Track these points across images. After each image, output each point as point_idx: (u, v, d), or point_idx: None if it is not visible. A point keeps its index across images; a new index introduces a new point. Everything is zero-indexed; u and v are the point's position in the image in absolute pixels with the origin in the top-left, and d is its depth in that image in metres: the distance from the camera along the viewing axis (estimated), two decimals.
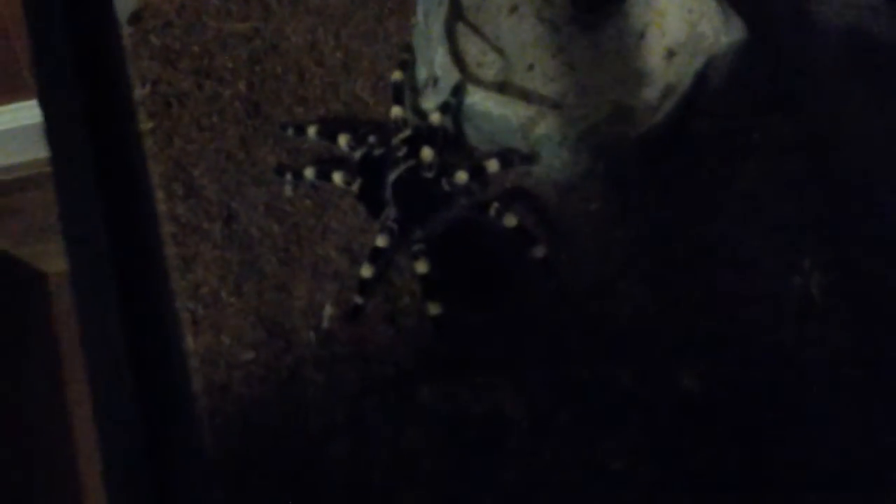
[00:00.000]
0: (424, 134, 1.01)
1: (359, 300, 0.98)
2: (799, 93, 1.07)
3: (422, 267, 0.95)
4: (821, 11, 1.10)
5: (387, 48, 1.11)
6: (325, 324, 0.99)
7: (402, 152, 1.00)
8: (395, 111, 1.02)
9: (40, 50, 0.54)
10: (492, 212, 0.97)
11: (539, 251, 0.97)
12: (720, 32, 0.99)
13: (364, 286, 0.97)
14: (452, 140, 1.04)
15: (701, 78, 1.01)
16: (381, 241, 0.96)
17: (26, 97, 1.43)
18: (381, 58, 1.11)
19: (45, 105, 0.53)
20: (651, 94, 1.01)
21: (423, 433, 0.91)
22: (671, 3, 1.03)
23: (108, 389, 0.48)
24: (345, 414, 0.94)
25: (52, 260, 1.70)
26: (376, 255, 0.97)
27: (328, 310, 1.00)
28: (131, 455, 0.47)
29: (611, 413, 0.92)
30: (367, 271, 0.97)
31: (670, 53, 1.02)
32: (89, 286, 0.49)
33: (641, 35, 1.04)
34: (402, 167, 0.99)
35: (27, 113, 1.45)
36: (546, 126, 0.98)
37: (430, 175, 0.98)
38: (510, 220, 0.97)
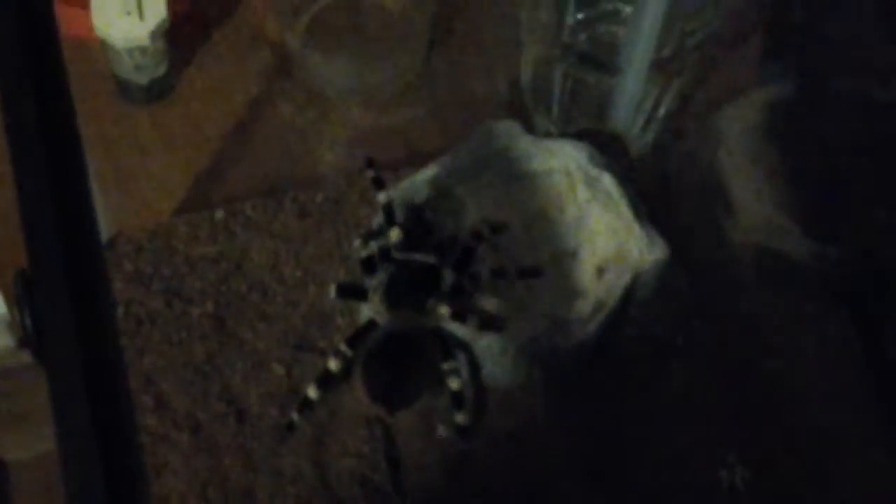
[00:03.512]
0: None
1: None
2: (715, 303, 1.18)
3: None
4: (734, 233, 1.22)
5: (343, 267, 1.21)
6: None
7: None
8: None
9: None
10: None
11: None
12: (644, 252, 1.09)
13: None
14: None
15: (629, 292, 1.10)
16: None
17: None
18: (340, 276, 1.20)
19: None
20: (583, 308, 1.10)
21: None
22: (600, 225, 1.13)
23: None
24: None
25: None
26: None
27: None
28: None
29: None
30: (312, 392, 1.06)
31: (601, 271, 1.12)
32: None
33: (574, 254, 1.14)
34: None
35: None
36: (489, 338, 1.07)
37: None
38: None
